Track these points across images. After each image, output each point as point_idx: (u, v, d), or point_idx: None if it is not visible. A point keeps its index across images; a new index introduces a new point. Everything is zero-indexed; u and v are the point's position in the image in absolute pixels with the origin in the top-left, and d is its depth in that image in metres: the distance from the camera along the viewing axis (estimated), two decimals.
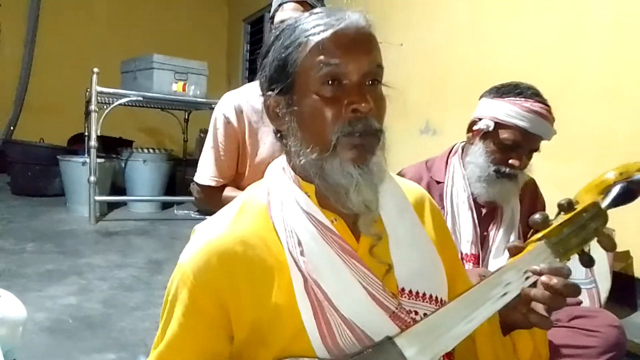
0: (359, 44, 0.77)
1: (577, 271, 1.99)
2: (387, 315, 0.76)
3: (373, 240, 0.80)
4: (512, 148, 1.47)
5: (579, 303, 1.61)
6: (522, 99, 1.45)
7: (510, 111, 1.45)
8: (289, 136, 0.81)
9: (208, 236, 0.79)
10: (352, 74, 0.76)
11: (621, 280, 2.28)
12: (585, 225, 0.77)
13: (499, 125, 1.47)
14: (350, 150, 0.75)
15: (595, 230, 0.78)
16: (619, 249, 2.38)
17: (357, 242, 0.81)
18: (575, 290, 0.73)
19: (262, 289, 0.77)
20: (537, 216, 0.77)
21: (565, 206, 0.77)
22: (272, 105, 0.83)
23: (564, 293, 0.73)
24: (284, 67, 0.79)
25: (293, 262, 0.77)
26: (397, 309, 0.77)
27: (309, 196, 0.80)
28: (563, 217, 0.78)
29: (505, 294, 0.74)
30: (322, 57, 0.75)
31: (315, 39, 0.76)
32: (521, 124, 1.43)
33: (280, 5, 1.67)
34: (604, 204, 0.80)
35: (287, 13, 1.63)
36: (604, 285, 2.12)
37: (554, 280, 0.72)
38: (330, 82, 0.76)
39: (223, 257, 0.77)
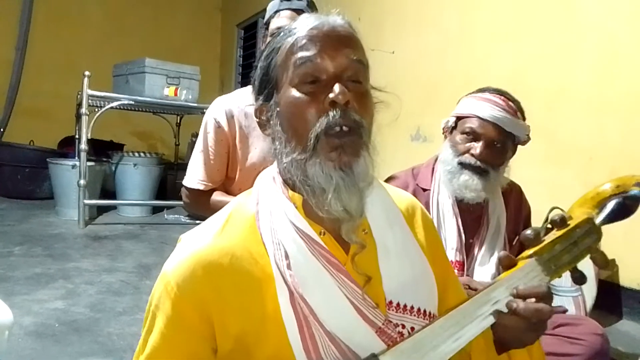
0: (334, 38, 0.77)
1: (564, 279, 2.01)
2: (373, 330, 0.75)
3: (357, 249, 0.78)
4: (472, 138, 1.51)
5: (564, 311, 1.63)
6: (480, 93, 1.54)
7: (468, 103, 1.54)
8: (275, 140, 0.81)
9: (194, 246, 0.78)
10: (328, 68, 0.76)
11: (607, 288, 2.30)
12: (578, 242, 0.75)
13: (459, 118, 1.56)
14: (330, 151, 0.74)
15: (589, 247, 0.75)
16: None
17: (346, 254, 0.79)
18: (545, 313, 0.71)
19: (248, 301, 0.75)
20: (528, 232, 0.75)
21: (558, 222, 0.75)
22: (260, 113, 0.84)
23: (532, 318, 0.71)
24: (267, 73, 0.81)
25: (279, 275, 0.75)
26: (383, 324, 0.76)
27: (296, 207, 0.78)
28: (555, 233, 0.75)
29: (493, 312, 0.72)
30: (297, 54, 0.77)
31: (291, 40, 0.78)
32: (476, 112, 1.50)
33: (276, 12, 1.68)
34: (598, 220, 0.77)
35: (282, 20, 1.65)
36: (590, 293, 2.14)
37: (520, 305, 0.71)
38: (308, 80, 0.76)
39: (209, 268, 0.75)
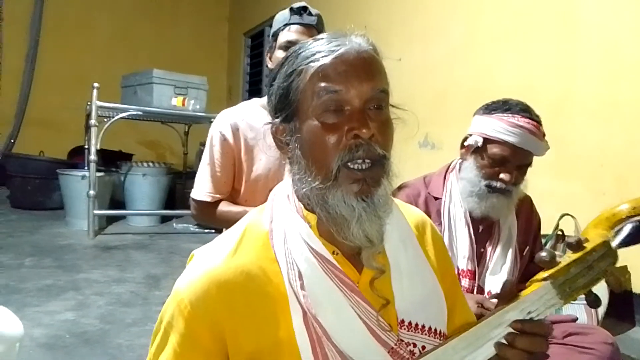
0: (359, 69, 0.75)
1: None
2: (385, 350, 0.75)
3: (375, 274, 0.78)
4: (501, 163, 1.49)
5: (574, 320, 1.61)
6: (509, 115, 1.47)
7: (498, 127, 1.47)
8: (293, 163, 0.80)
9: (208, 264, 0.78)
10: (353, 100, 0.74)
11: (619, 296, 2.27)
12: (593, 265, 0.73)
13: (487, 140, 1.50)
14: (352, 183, 0.74)
15: (604, 271, 0.74)
16: (618, 263, 2.38)
17: (359, 274, 0.79)
18: (541, 346, 0.70)
19: (262, 320, 0.75)
20: (543, 254, 0.73)
21: (574, 245, 0.73)
22: (277, 132, 0.82)
23: (531, 350, 0.70)
24: (287, 95, 0.79)
25: (293, 295, 0.75)
26: (396, 344, 0.76)
27: (310, 227, 0.78)
28: (571, 256, 0.74)
29: (495, 344, 0.71)
30: (322, 83, 0.75)
31: (315, 66, 0.76)
32: (508, 139, 1.45)
33: (286, 25, 1.68)
34: (614, 243, 0.76)
35: (292, 35, 1.65)
36: (602, 300, 2.11)
37: (519, 340, 0.70)
38: (331, 109, 0.74)
39: (223, 287, 0.75)
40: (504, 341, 0.71)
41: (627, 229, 0.78)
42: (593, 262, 0.73)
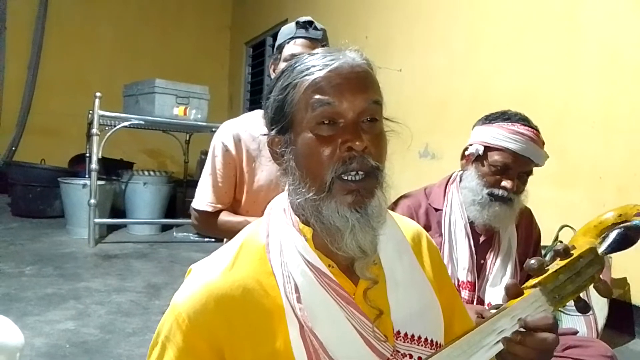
0: (353, 82, 0.77)
1: None
2: None
3: (369, 284, 0.79)
4: (503, 171, 1.50)
5: (575, 333, 1.61)
6: (509, 123, 1.50)
7: (498, 134, 1.50)
8: (288, 174, 0.81)
9: (205, 278, 0.78)
10: (346, 113, 0.76)
11: (619, 308, 2.28)
12: (581, 271, 0.75)
13: (488, 149, 1.52)
14: (346, 194, 0.75)
15: (592, 277, 0.76)
16: (617, 275, 2.39)
17: (354, 286, 0.80)
18: (550, 343, 0.70)
19: (259, 334, 0.76)
20: (532, 261, 0.75)
21: (562, 252, 0.76)
22: (273, 144, 0.84)
23: (539, 348, 0.71)
24: (282, 107, 0.80)
25: (290, 308, 0.76)
26: (392, 355, 0.77)
27: (306, 240, 0.79)
28: (559, 263, 0.76)
29: (498, 341, 0.73)
30: (316, 96, 0.76)
31: (309, 79, 0.77)
32: (509, 146, 1.48)
33: (292, 38, 1.69)
34: (600, 250, 0.78)
35: (297, 48, 1.66)
36: (601, 312, 2.12)
37: (527, 337, 0.71)
38: (325, 121, 0.76)
39: (221, 301, 0.76)
40: (500, 346, 0.72)
41: (612, 235, 0.80)
42: (581, 269, 0.76)
